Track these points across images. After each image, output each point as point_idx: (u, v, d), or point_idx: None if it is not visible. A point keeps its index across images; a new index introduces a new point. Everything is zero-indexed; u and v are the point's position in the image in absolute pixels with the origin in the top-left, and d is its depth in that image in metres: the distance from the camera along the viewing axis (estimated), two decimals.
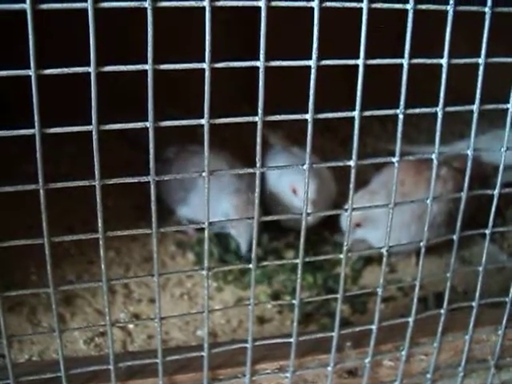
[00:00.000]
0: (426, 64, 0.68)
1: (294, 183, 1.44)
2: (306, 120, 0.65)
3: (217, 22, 0.58)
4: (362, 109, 0.66)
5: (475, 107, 0.71)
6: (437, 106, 0.69)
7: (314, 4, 0.60)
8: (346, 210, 0.72)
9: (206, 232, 0.68)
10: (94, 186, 0.62)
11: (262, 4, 0.58)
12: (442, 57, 0.67)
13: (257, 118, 0.63)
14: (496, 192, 0.78)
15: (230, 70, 0.62)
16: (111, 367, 0.74)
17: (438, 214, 1.38)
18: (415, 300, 0.81)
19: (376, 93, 0.92)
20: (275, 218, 0.71)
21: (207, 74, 0.60)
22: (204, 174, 0.64)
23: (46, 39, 0.88)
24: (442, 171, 1.40)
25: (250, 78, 0.64)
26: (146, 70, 0.59)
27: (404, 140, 0.70)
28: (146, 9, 0.56)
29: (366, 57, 0.64)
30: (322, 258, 0.77)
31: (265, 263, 0.71)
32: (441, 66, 0.67)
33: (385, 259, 0.76)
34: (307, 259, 0.72)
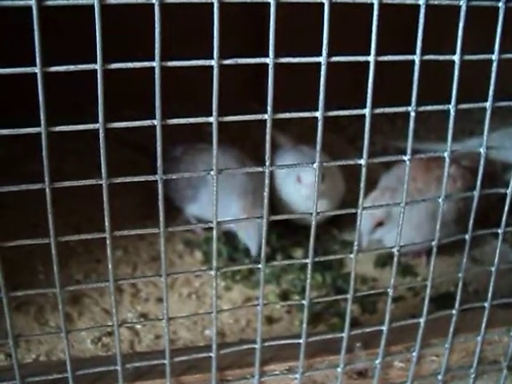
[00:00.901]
0: (436, 61, 0.67)
1: (298, 173, 1.42)
2: (316, 118, 0.64)
3: (223, 19, 0.57)
4: (372, 106, 0.65)
5: (488, 104, 0.70)
6: (446, 103, 0.68)
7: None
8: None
9: (215, 232, 0.67)
10: (101, 184, 0.61)
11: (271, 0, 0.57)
12: (451, 54, 0.66)
13: (266, 116, 0.62)
14: (509, 191, 0.77)
15: (238, 68, 0.62)
16: (118, 368, 0.73)
17: (447, 213, 1.36)
18: (426, 300, 0.79)
19: (384, 89, 0.90)
20: (284, 217, 0.70)
21: (215, 71, 0.59)
22: (212, 172, 0.63)
23: (52, 37, 0.87)
24: (451, 170, 1.39)
25: (259, 76, 0.63)
26: (154, 69, 0.58)
27: (413, 137, 0.69)
28: (153, 5, 0.55)
29: (377, 53, 0.63)
30: (331, 257, 0.76)
31: (274, 263, 0.70)
32: (453, 62, 0.66)
33: (396, 259, 0.75)
34: (317, 259, 0.71)
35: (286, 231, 1.51)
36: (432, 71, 0.91)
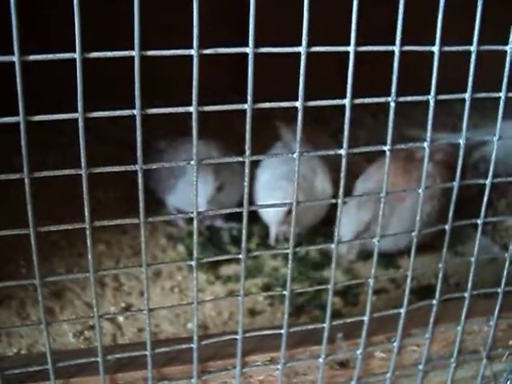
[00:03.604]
0: (421, 56, 0.67)
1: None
2: (297, 108, 0.64)
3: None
4: (354, 98, 0.65)
5: (467, 95, 0.70)
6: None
7: None
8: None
9: (195, 222, 0.67)
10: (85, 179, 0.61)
11: None
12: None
13: (246, 106, 0.62)
14: (488, 181, 0.77)
15: (226, 65, 0.61)
16: (99, 360, 0.73)
17: (432, 212, 1.37)
18: (407, 291, 0.80)
19: (370, 86, 0.90)
20: (263, 207, 0.70)
21: (195, 60, 0.59)
22: (192, 162, 0.63)
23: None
24: (428, 168, 1.38)
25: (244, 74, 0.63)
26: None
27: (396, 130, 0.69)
28: None
29: (357, 44, 0.63)
30: (312, 247, 0.77)
31: (255, 253, 0.70)
32: (432, 53, 0.67)
33: (376, 249, 0.75)
34: (298, 249, 0.71)
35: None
36: (421, 67, 0.91)
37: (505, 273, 0.85)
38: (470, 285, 0.83)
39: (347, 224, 1.34)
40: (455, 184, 0.76)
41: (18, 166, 0.62)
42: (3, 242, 0.64)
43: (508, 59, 0.69)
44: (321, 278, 1.35)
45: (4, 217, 1.38)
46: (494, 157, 0.77)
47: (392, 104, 0.67)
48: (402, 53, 0.65)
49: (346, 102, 0.65)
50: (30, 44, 0.56)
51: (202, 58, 0.59)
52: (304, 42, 0.61)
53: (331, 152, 0.68)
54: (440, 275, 0.81)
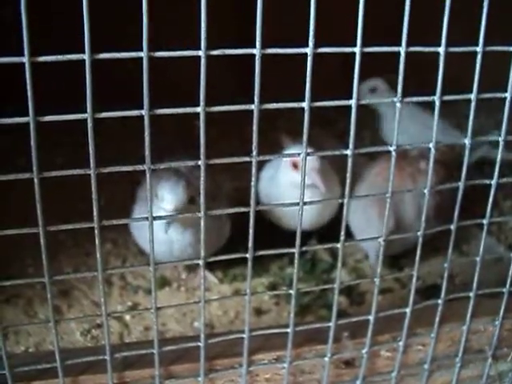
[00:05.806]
0: (428, 57, 0.67)
1: (293, 159, 1.26)
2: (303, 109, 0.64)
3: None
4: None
5: (473, 96, 0.71)
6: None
7: None
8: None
9: (202, 221, 0.67)
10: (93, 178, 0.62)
11: None
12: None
13: (253, 106, 0.63)
14: (494, 182, 0.77)
15: (235, 69, 0.62)
16: (107, 358, 0.73)
17: (428, 209, 1.36)
18: (412, 290, 0.80)
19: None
20: (270, 206, 0.70)
21: (203, 61, 0.59)
22: (200, 162, 0.63)
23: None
24: (421, 165, 1.37)
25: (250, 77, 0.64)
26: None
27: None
28: None
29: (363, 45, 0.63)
30: (319, 247, 0.77)
31: (261, 252, 0.70)
32: (438, 54, 0.67)
33: (382, 249, 0.76)
34: (304, 248, 0.71)
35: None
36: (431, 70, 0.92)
37: (510, 273, 0.85)
38: (475, 285, 0.84)
39: (373, 235, 1.30)
40: (461, 184, 0.76)
41: (22, 167, 0.63)
42: (10, 243, 0.64)
43: None
44: (327, 278, 1.36)
45: (10, 217, 1.40)
46: (499, 157, 0.77)
47: (398, 104, 0.67)
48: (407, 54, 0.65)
49: (352, 102, 0.65)
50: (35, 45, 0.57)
51: (208, 66, 0.59)
52: (311, 43, 0.61)
53: (337, 152, 0.68)
54: (445, 275, 0.82)
